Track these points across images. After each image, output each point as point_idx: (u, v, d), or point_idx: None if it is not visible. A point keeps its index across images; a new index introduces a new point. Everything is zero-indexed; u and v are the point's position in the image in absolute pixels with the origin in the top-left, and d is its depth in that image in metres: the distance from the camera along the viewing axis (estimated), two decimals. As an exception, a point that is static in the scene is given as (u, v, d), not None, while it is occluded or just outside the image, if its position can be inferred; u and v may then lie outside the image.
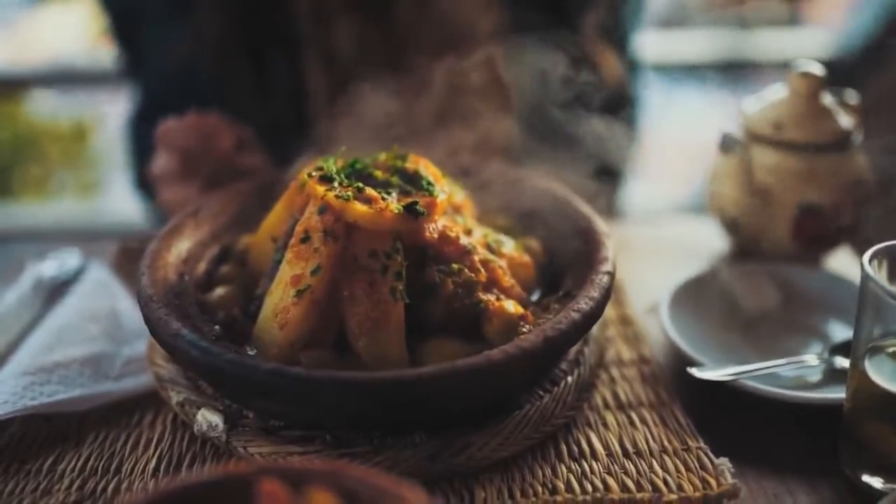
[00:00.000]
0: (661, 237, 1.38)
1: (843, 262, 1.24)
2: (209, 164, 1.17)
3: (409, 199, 0.85)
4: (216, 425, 0.82)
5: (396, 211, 0.82)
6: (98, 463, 0.83)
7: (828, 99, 1.16)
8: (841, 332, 1.04)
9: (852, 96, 1.20)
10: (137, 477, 0.81)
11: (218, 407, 0.84)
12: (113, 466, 0.83)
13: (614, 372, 0.97)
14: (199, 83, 1.43)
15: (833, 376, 0.95)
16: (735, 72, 3.83)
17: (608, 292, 0.86)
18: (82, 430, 0.88)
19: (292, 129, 1.46)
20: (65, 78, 3.69)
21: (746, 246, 1.20)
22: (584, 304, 0.82)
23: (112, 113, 3.98)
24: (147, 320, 0.82)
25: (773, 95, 1.18)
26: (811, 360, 0.95)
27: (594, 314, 0.83)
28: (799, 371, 0.96)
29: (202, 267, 0.97)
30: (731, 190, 1.14)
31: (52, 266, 1.16)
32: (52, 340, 0.97)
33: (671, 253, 1.30)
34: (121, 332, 1.02)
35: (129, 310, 1.06)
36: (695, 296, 1.07)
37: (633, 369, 0.98)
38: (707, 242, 1.31)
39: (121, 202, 3.38)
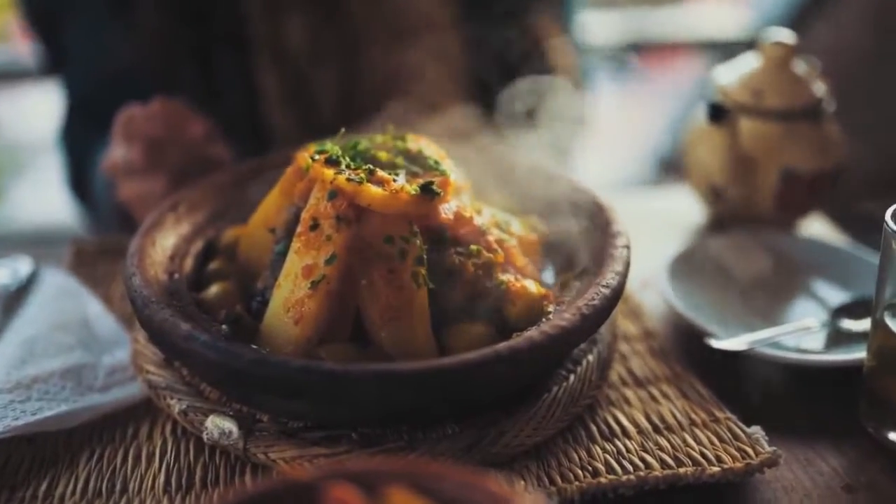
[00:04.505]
0: (633, 211, 1.37)
1: (818, 228, 1.26)
2: (176, 155, 1.08)
3: (422, 180, 0.81)
4: (230, 432, 0.76)
5: (413, 192, 0.78)
6: (100, 483, 0.76)
7: (800, 66, 1.17)
8: (832, 294, 1.05)
9: (816, 64, 1.22)
10: (148, 494, 0.74)
11: (227, 412, 0.78)
12: (117, 486, 0.76)
13: (624, 348, 0.96)
14: (137, 84, 1.33)
15: (836, 338, 0.96)
16: (632, 53, 3.90)
17: (629, 266, 0.84)
18: (73, 449, 0.80)
19: (244, 130, 1.39)
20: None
21: (727, 214, 1.21)
22: (611, 278, 0.80)
23: (6, 116, 3.75)
24: (147, 323, 0.75)
25: (746, 65, 1.19)
26: (818, 323, 0.95)
27: (621, 289, 0.80)
28: (801, 335, 0.96)
29: (189, 264, 0.90)
30: (715, 159, 1.14)
31: (3, 274, 1.06)
32: (22, 353, 0.88)
33: (647, 226, 1.30)
34: (96, 341, 0.93)
35: (99, 315, 0.98)
36: (688, 267, 1.07)
37: (641, 344, 0.97)
38: (681, 213, 1.31)
39: (31, 208, 3.18)
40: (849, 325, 0.95)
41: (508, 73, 1.48)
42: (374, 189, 0.77)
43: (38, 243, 1.28)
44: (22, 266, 1.09)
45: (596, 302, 0.76)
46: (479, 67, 1.53)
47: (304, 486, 0.53)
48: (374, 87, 1.47)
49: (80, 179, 1.48)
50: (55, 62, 1.52)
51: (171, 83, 1.36)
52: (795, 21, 2.41)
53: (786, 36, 1.16)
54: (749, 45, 1.36)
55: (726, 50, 3.23)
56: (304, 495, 0.53)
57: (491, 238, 0.84)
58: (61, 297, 1.01)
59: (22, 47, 3.32)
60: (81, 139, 1.46)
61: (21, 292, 1.04)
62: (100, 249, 1.17)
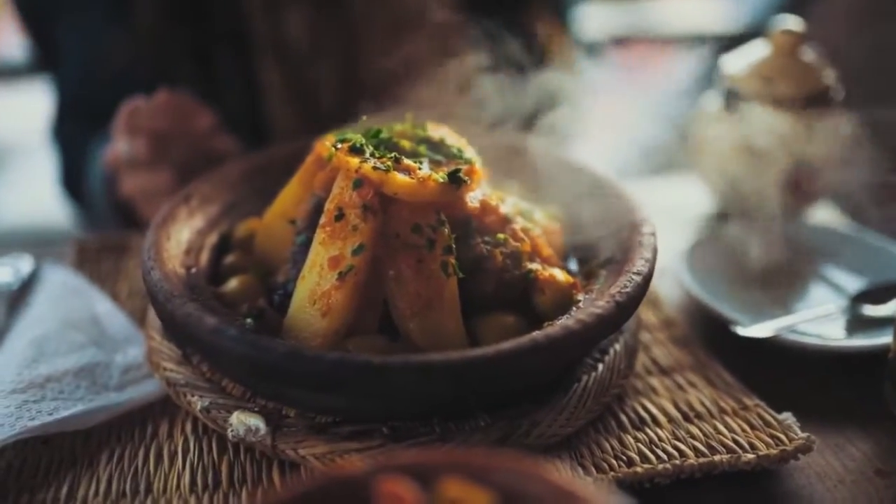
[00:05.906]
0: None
1: (828, 214, 1.26)
2: (182, 148, 1.06)
3: (447, 168, 0.79)
4: (257, 428, 0.74)
5: (441, 180, 0.76)
6: (122, 485, 0.74)
7: (809, 55, 1.17)
8: (846, 280, 1.05)
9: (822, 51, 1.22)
10: (174, 494, 0.72)
11: (253, 408, 0.76)
12: (141, 486, 0.73)
13: (645, 336, 0.95)
14: (133, 84, 1.29)
15: (857, 324, 0.96)
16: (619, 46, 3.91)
17: (656, 253, 0.83)
18: (91, 450, 0.78)
19: (244, 126, 1.36)
20: None
21: (736, 203, 1.20)
22: (641, 265, 0.79)
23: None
24: (169, 318, 0.73)
25: (755, 54, 1.18)
26: (838, 309, 0.95)
27: (650, 275, 0.79)
28: (821, 321, 0.96)
29: (204, 257, 0.88)
30: (726, 148, 1.13)
31: (5, 273, 1.03)
32: (33, 353, 0.85)
33: (654, 215, 1.29)
34: (107, 339, 0.91)
35: (108, 313, 0.95)
36: (704, 256, 1.06)
37: (662, 333, 0.96)
38: (688, 203, 1.31)
39: (15, 208, 3.12)
40: (870, 310, 0.95)
41: (508, 67, 1.47)
42: (402, 177, 0.75)
43: (30, 242, 1.25)
44: (23, 264, 1.06)
45: (628, 289, 0.75)
46: (478, 61, 1.51)
47: (356, 480, 0.52)
48: (374, 81, 1.45)
49: (74, 177, 1.45)
50: (48, 60, 1.48)
51: (168, 82, 1.33)
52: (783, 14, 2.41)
53: (794, 24, 1.16)
54: (737, 39, 1.36)
55: (713, 44, 3.25)
56: (355, 490, 0.51)
57: (516, 227, 0.83)
58: (68, 296, 0.98)
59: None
60: (75, 137, 1.42)
61: (24, 291, 1.01)
62: (102, 247, 1.14)
